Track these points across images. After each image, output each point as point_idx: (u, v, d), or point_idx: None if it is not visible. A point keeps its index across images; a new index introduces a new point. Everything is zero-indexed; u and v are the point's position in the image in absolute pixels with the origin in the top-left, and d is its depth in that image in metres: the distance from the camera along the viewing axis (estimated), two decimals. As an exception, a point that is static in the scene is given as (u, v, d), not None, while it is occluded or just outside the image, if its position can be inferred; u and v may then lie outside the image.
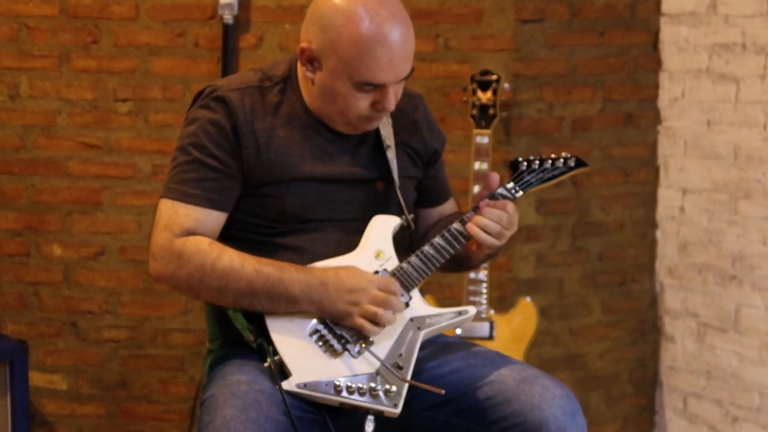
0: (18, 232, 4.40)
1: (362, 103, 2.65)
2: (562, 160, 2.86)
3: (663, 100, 4.58)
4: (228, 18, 4.27)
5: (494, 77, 4.15)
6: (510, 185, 2.80)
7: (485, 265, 4.04)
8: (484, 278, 4.05)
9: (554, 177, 2.86)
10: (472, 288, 4.02)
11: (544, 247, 4.49)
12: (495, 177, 2.78)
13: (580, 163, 2.88)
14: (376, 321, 2.61)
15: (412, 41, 2.63)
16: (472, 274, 4.03)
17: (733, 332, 4.39)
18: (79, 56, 4.33)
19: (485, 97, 4.13)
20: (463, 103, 4.20)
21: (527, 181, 2.82)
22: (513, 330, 4.13)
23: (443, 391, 2.60)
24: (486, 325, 4.07)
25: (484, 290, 4.04)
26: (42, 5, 4.31)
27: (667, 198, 4.61)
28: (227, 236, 2.70)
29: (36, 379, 4.38)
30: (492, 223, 2.70)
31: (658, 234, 4.65)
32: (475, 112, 4.13)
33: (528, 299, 4.23)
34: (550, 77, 4.43)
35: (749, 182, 4.31)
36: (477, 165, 4.06)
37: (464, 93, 4.20)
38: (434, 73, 4.32)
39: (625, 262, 4.64)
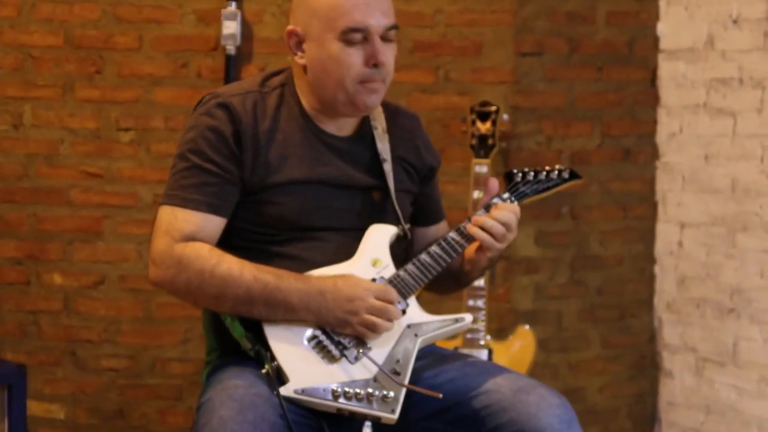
0: (19, 261, 4.42)
1: (354, 59, 2.67)
2: (556, 172, 2.90)
3: (661, 136, 4.61)
4: (231, 49, 4.32)
5: (493, 108, 4.19)
6: (506, 195, 2.82)
7: (484, 293, 4.05)
8: (483, 306, 4.06)
9: (549, 188, 2.89)
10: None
11: (542, 279, 4.50)
12: (494, 182, 2.81)
13: (573, 175, 2.92)
14: (373, 330, 2.62)
15: None
16: (470, 302, 4.05)
17: (732, 366, 4.39)
18: (82, 86, 4.37)
19: (484, 127, 4.17)
20: (463, 134, 4.23)
21: (522, 191, 2.85)
22: (511, 357, 4.13)
23: (441, 395, 2.60)
24: (484, 352, 4.07)
25: (483, 318, 4.05)
26: (47, 35, 4.36)
27: (665, 233, 4.63)
28: (224, 244, 2.69)
29: (34, 408, 4.37)
30: (497, 224, 2.71)
31: (657, 269, 4.66)
32: (474, 142, 4.16)
33: (527, 327, 4.24)
34: (548, 110, 4.47)
35: (747, 215, 4.33)
36: (476, 194, 4.09)
37: (463, 123, 4.23)
38: (434, 105, 4.36)
39: (624, 296, 4.64)
